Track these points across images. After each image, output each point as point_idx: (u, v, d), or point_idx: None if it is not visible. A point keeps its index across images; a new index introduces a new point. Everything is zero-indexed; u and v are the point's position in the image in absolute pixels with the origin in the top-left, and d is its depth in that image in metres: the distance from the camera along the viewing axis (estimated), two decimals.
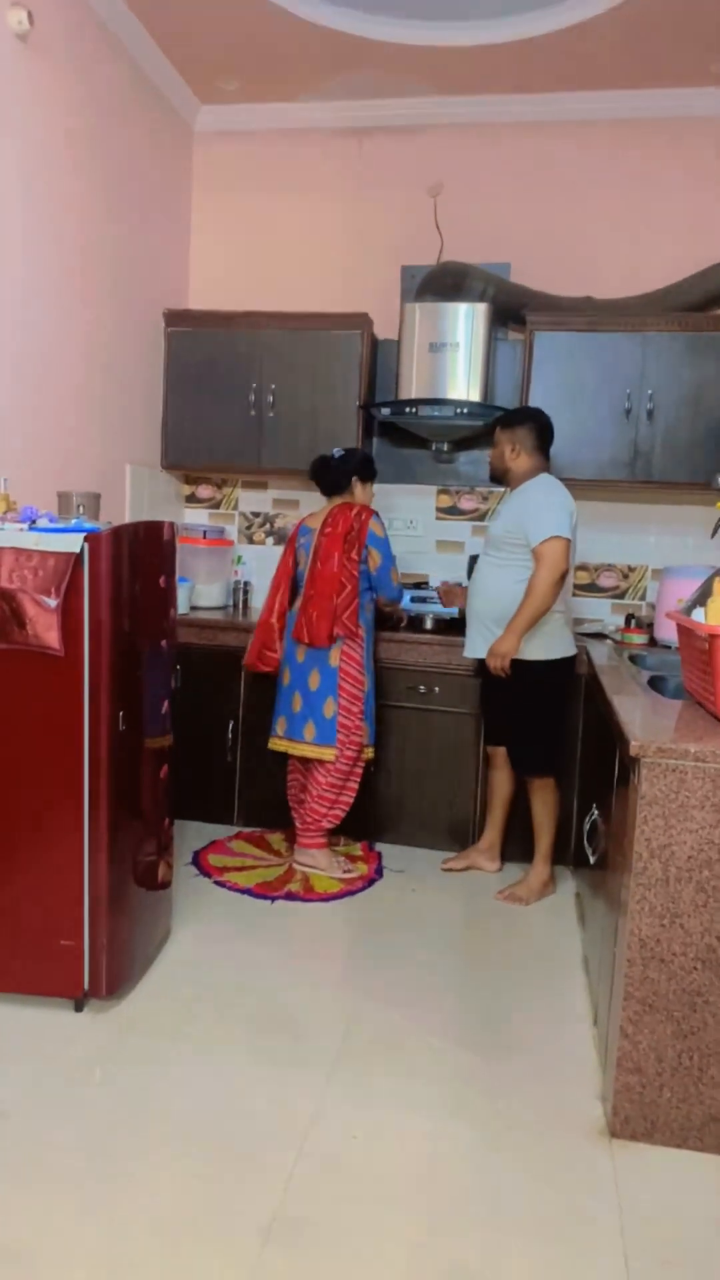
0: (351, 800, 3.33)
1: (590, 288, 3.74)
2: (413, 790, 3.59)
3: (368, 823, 3.59)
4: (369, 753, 3.34)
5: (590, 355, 3.55)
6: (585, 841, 2.64)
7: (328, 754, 3.24)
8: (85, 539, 2.18)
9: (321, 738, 3.25)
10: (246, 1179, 1.81)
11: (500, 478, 3.25)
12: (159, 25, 3.40)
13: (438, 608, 3.72)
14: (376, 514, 3.27)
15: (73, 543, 2.18)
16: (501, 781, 3.35)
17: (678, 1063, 1.95)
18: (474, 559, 3.46)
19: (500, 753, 3.32)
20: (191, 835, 3.58)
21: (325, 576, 3.19)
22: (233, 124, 4.07)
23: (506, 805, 3.37)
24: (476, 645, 3.20)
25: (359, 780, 3.34)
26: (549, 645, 3.10)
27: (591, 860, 2.61)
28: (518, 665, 3.08)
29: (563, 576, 3.00)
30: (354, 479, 3.30)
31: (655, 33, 3.26)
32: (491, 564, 3.16)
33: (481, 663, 3.20)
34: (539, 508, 3.02)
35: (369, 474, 3.35)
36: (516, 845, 3.45)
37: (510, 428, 3.17)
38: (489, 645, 3.11)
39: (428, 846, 3.56)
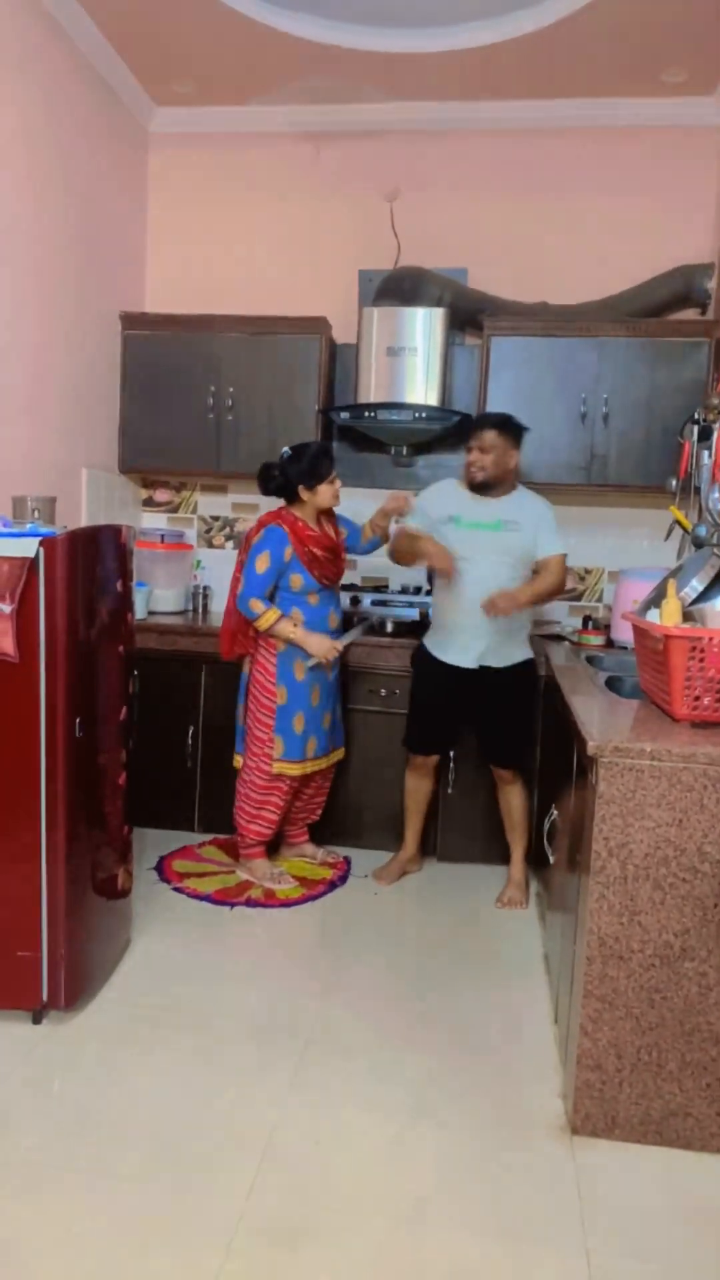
0: (275, 815, 3.23)
1: (546, 293, 3.79)
2: (375, 793, 3.59)
3: (332, 827, 3.59)
4: (281, 767, 3.16)
5: (546, 360, 3.59)
6: (545, 841, 2.66)
7: (237, 761, 3.29)
8: (40, 543, 2.16)
9: (238, 744, 3.29)
10: (209, 1187, 1.80)
11: (492, 484, 3.09)
12: (113, 27, 3.37)
13: (398, 611, 3.73)
14: (277, 528, 3.07)
15: (27, 547, 2.15)
16: (425, 790, 3.35)
17: (637, 1059, 1.98)
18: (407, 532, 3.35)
19: (430, 761, 3.31)
20: (155, 843, 3.54)
21: (231, 591, 3.21)
22: (188, 127, 4.05)
23: (425, 810, 3.40)
24: (486, 656, 3.11)
25: (283, 796, 3.22)
26: (526, 647, 3.23)
27: (551, 860, 2.64)
28: (519, 668, 3.16)
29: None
30: (299, 487, 3.11)
31: (609, 43, 3.31)
32: (511, 577, 3.06)
33: (466, 671, 3.13)
34: (551, 522, 3.12)
35: (315, 477, 3.09)
36: (470, 846, 3.51)
37: (510, 433, 3.08)
38: (504, 654, 3.12)
39: (392, 850, 3.55)
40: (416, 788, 3.36)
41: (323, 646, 3.10)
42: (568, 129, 3.83)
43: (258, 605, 3.07)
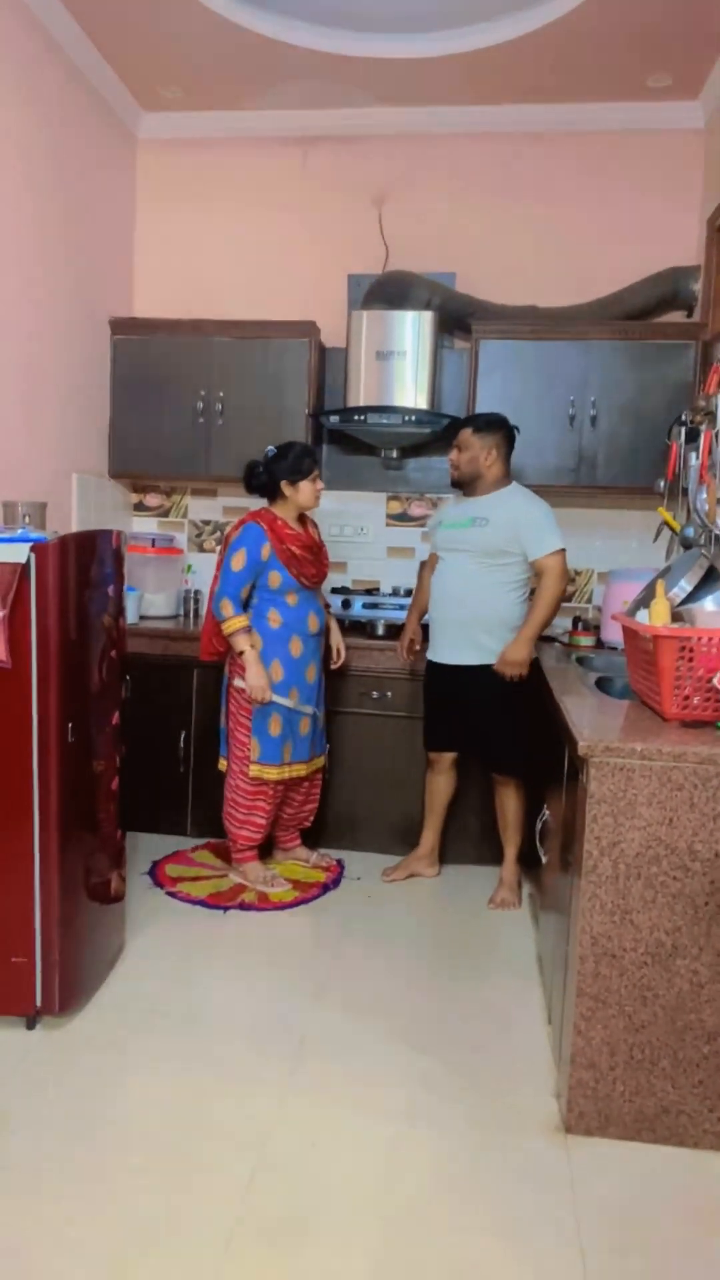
0: (264, 820, 3.22)
1: (534, 297, 3.81)
2: (367, 796, 3.60)
3: (326, 829, 3.59)
4: (259, 770, 3.15)
5: (535, 363, 3.61)
6: (537, 842, 2.67)
7: (221, 764, 3.29)
8: (32, 549, 2.16)
9: (222, 747, 3.29)
10: (206, 1190, 1.80)
11: (467, 483, 3.19)
12: (101, 32, 3.38)
13: (389, 613, 3.75)
14: (255, 526, 3.09)
15: (19, 553, 2.15)
16: (443, 786, 3.36)
17: (629, 1057, 1.99)
18: (424, 564, 3.49)
19: (446, 758, 3.32)
20: (148, 847, 3.54)
21: (210, 591, 3.23)
22: (177, 132, 4.06)
23: (445, 810, 3.39)
24: (461, 652, 3.16)
25: (270, 800, 3.22)
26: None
27: (544, 860, 2.65)
28: (492, 669, 3.13)
29: (565, 587, 3.12)
30: (281, 483, 3.14)
31: (594, 49, 3.33)
32: (478, 571, 3.11)
33: (450, 668, 3.20)
34: (537, 520, 3.07)
35: (297, 474, 3.12)
36: (463, 847, 3.51)
37: (484, 432, 3.14)
38: (481, 652, 3.12)
39: (384, 852, 3.57)
40: (432, 785, 3.38)
41: (257, 683, 3.07)
42: (554, 133, 3.85)
43: (228, 608, 3.07)
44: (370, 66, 3.51)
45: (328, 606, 3.42)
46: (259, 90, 3.76)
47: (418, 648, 3.39)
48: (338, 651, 3.39)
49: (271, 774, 3.18)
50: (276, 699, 3.13)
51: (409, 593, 3.89)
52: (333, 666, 3.39)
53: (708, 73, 3.48)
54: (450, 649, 3.21)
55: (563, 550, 3.08)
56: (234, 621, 3.07)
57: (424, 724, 3.37)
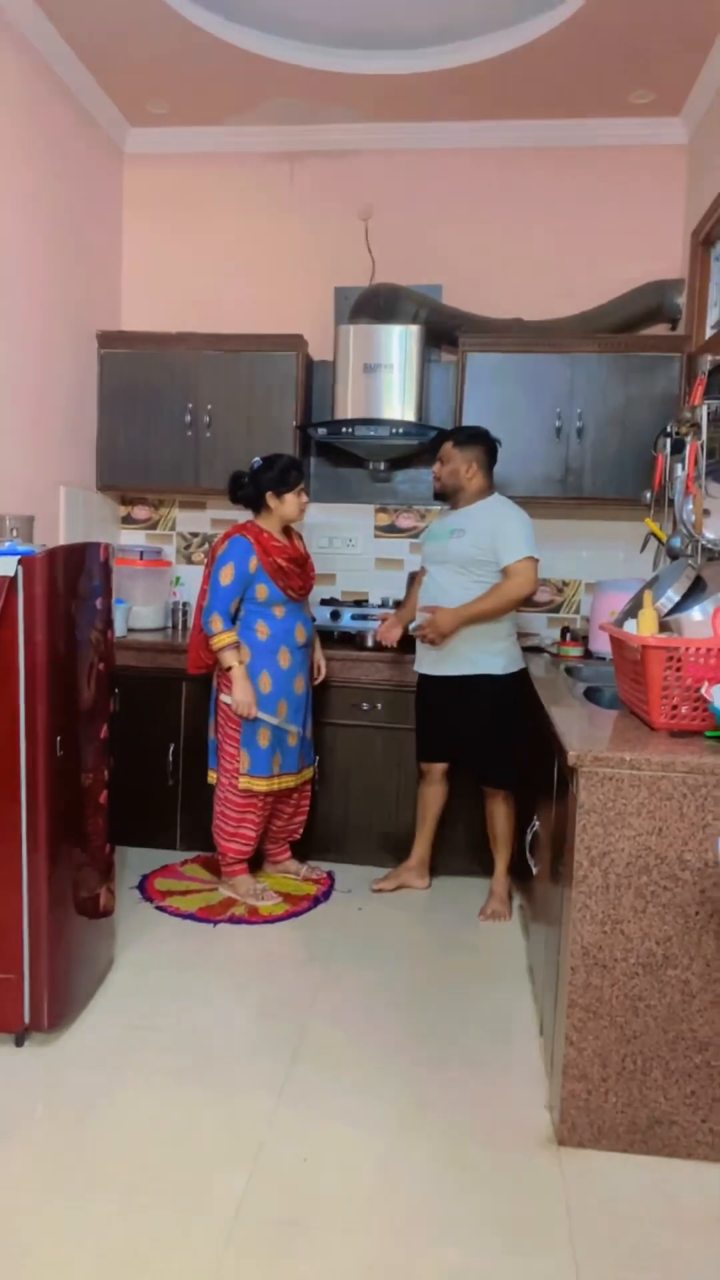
0: (253, 832, 3.21)
1: (520, 310, 3.84)
2: (358, 808, 3.60)
3: (315, 842, 3.58)
4: (248, 783, 3.15)
5: (521, 376, 3.63)
6: (527, 853, 2.67)
7: (211, 776, 3.28)
8: (19, 562, 2.15)
9: (210, 759, 3.28)
10: (198, 1205, 1.78)
11: (448, 495, 3.22)
12: (89, 48, 3.40)
13: (377, 625, 3.74)
14: (241, 539, 3.09)
15: (6, 566, 2.14)
16: (435, 797, 3.36)
17: (621, 1068, 1.99)
18: (413, 575, 3.50)
19: (438, 769, 3.33)
20: (137, 861, 3.52)
21: (198, 605, 3.22)
22: (163, 147, 4.08)
23: (437, 821, 3.39)
24: (445, 664, 3.18)
25: (259, 812, 3.22)
26: (510, 659, 3.20)
27: (534, 871, 2.65)
28: (485, 681, 3.13)
29: (530, 594, 3.10)
30: (267, 494, 3.14)
31: (578, 65, 3.37)
32: (459, 583, 3.12)
33: (435, 679, 3.22)
34: (511, 529, 3.08)
35: (283, 485, 3.14)
36: (452, 859, 3.51)
37: (465, 445, 3.17)
38: (464, 663, 3.13)
39: (375, 864, 3.56)
40: (424, 795, 3.38)
41: (243, 699, 3.07)
42: (539, 148, 3.89)
43: (217, 623, 3.08)
44: (356, 83, 3.54)
45: (312, 619, 3.42)
46: (246, 106, 3.79)
47: (395, 636, 3.38)
48: (318, 668, 3.40)
49: (261, 786, 3.17)
50: (263, 716, 3.12)
51: (398, 604, 3.90)
52: (314, 682, 3.39)
53: (689, 89, 3.52)
54: (435, 661, 3.22)
55: (534, 559, 3.06)
56: (223, 637, 3.07)
57: (415, 735, 3.38)
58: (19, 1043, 2.31)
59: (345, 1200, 1.83)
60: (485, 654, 3.14)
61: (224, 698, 3.15)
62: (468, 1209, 1.82)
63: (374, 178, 3.98)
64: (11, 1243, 1.69)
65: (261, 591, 3.12)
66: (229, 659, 3.08)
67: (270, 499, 3.16)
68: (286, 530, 3.27)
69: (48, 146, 3.40)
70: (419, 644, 3.27)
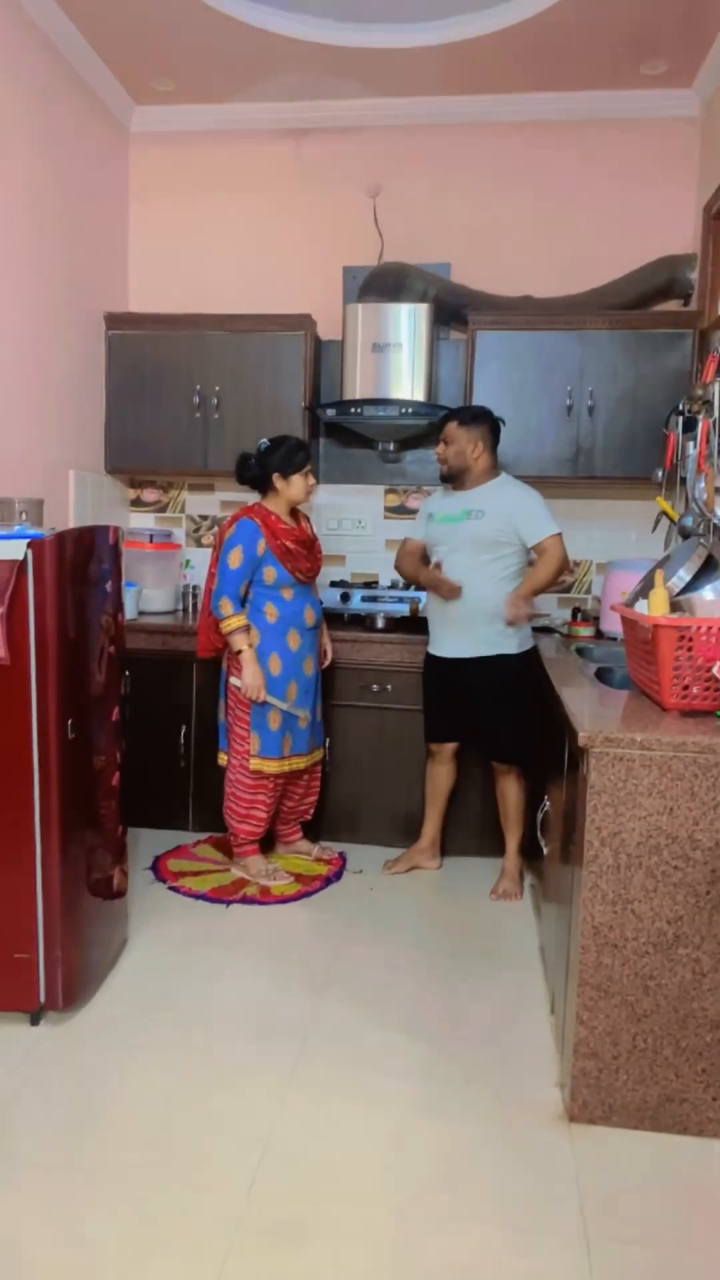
0: (265, 814, 3.22)
1: (529, 287, 3.79)
2: (368, 789, 3.60)
3: (326, 822, 3.60)
4: (259, 764, 3.15)
5: (531, 354, 3.60)
6: (538, 833, 2.68)
7: (221, 759, 3.28)
8: (29, 545, 2.15)
9: (221, 741, 3.29)
10: (211, 1184, 1.81)
11: (455, 476, 3.19)
12: (92, 26, 3.36)
13: (389, 606, 3.74)
14: (249, 522, 3.08)
15: (16, 549, 2.14)
16: (444, 777, 3.36)
17: (632, 1046, 1.99)
18: (402, 547, 3.43)
19: (448, 749, 3.33)
20: (150, 842, 3.55)
21: (206, 588, 3.22)
22: (169, 125, 4.04)
23: (446, 801, 3.40)
24: (462, 645, 3.17)
25: (270, 794, 3.22)
26: (524, 637, 3.21)
27: (545, 851, 2.65)
28: (502, 659, 3.14)
29: (567, 566, 3.13)
30: (274, 476, 3.13)
31: (588, 36, 3.32)
32: (478, 564, 3.11)
33: (452, 661, 3.20)
34: (531, 508, 3.09)
35: (290, 467, 3.12)
36: (464, 839, 3.52)
37: (469, 425, 3.15)
38: (481, 643, 3.13)
39: (386, 844, 3.57)
40: (432, 775, 3.39)
41: (253, 682, 3.08)
42: (549, 122, 3.83)
43: (227, 606, 3.07)
44: (363, 57, 3.49)
45: (320, 602, 3.41)
46: (251, 82, 3.74)
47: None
48: (324, 652, 3.40)
49: (271, 767, 3.18)
50: (272, 700, 3.12)
51: (408, 586, 3.88)
52: (321, 666, 3.39)
53: (702, 60, 3.46)
54: (451, 642, 3.21)
55: (560, 534, 3.09)
56: (233, 620, 3.07)
57: (424, 716, 3.38)
58: (34, 1021, 2.34)
59: (357, 1177, 1.85)
60: (503, 634, 3.15)
61: (234, 680, 3.16)
62: (479, 1186, 1.83)
63: (381, 154, 3.93)
64: (23, 1220, 1.71)
65: (269, 574, 3.12)
66: (239, 642, 3.08)
67: (277, 480, 3.15)
68: (294, 512, 3.26)
69: (53, 127, 3.37)
70: (435, 628, 3.27)
